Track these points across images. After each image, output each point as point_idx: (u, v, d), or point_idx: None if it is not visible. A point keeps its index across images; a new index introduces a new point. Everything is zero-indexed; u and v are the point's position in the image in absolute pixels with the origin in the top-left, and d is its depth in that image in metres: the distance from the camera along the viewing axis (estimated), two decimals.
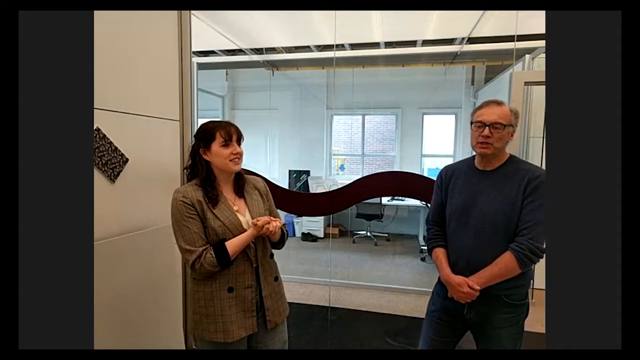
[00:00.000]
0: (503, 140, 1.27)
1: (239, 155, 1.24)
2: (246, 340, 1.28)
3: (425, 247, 4.96)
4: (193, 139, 1.30)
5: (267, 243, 1.33)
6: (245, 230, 1.22)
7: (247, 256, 1.25)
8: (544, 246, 1.22)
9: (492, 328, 1.31)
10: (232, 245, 1.19)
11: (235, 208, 1.26)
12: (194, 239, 1.16)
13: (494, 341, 1.32)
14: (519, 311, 1.31)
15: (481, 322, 1.33)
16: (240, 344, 1.26)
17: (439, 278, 1.46)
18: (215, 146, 1.21)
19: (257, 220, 1.20)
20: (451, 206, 1.36)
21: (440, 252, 1.38)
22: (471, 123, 1.31)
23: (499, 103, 1.28)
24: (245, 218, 1.27)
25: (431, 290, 1.52)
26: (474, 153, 1.36)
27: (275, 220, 1.23)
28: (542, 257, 1.23)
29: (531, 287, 3.22)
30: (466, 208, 1.31)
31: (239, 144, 1.26)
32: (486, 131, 1.24)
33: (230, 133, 1.22)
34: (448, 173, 1.43)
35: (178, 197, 1.19)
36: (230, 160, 1.22)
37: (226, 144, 1.21)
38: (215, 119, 1.28)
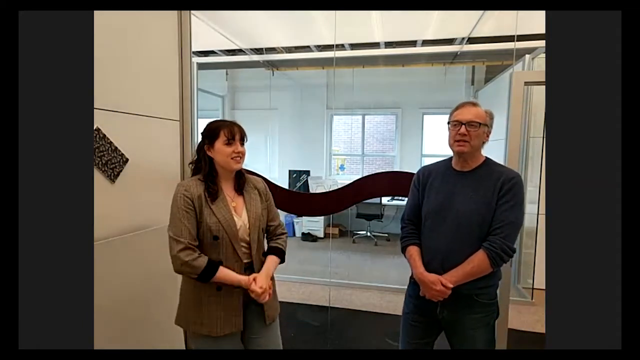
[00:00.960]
0: (479, 139, 1.31)
1: (241, 155, 1.28)
2: (239, 335, 1.31)
3: None
4: (200, 135, 1.33)
5: (261, 243, 1.35)
6: (238, 230, 1.26)
7: (237, 255, 1.26)
8: (515, 247, 1.26)
9: (465, 329, 1.33)
10: (223, 274, 1.21)
11: (233, 204, 1.29)
12: (182, 231, 1.19)
13: (465, 341, 1.34)
14: (490, 310, 1.33)
15: (454, 322, 1.35)
16: (230, 338, 1.27)
17: (410, 278, 1.47)
18: (219, 144, 1.25)
19: (259, 289, 1.22)
20: (428, 205, 1.39)
21: (414, 250, 1.40)
22: (448, 124, 1.36)
23: (474, 104, 1.34)
24: (241, 218, 1.29)
25: None
26: (452, 151, 1.39)
27: (266, 291, 1.25)
28: (512, 257, 1.27)
29: (531, 287, 3.21)
30: (443, 207, 1.33)
31: (242, 144, 1.29)
32: (462, 129, 1.28)
33: (233, 132, 1.26)
34: (425, 173, 1.45)
35: (180, 190, 1.24)
36: (232, 159, 1.26)
37: (229, 142, 1.25)
38: (221, 119, 1.33)
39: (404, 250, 1.46)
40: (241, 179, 1.35)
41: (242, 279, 1.23)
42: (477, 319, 1.32)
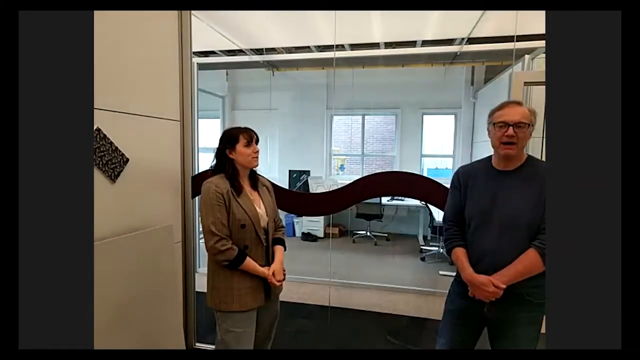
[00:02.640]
0: (525, 140, 1.28)
1: (258, 154, 1.52)
2: (256, 311, 1.53)
3: (425, 247, 4.94)
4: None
5: (273, 230, 1.59)
6: (259, 219, 1.49)
7: (259, 240, 1.49)
8: None
9: (512, 327, 1.31)
10: (248, 264, 1.46)
11: (252, 198, 1.52)
12: (216, 223, 1.41)
13: (512, 341, 1.32)
14: (539, 310, 1.30)
15: (501, 321, 1.33)
16: (252, 313, 1.51)
17: (455, 277, 1.46)
18: (240, 147, 1.48)
19: (278, 282, 1.50)
20: (471, 207, 1.37)
21: (460, 252, 1.38)
22: (491, 124, 1.32)
23: (519, 103, 1.30)
24: (261, 210, 1.53)
25: (431, 289, 1.52)
26: (492, 153, 1.37)
27: (281, 282, 1.53)
28: None
29: None
30: (488, 208, 1.31)
31: (257, 145, 1.52)
32: (510, 131, 1.25)
33: (251, 136, 1.50)
34: (465, 174, 1.43)
35: (211, 187, 1.43)
36: (252, 158, 1.50)
37: (248, 144, 1.48)
38: (236, 126, 1.52)
39: (449, 253, 1.44)
40: (255, 177, 1.58)
41: (263, 271, 1.48)
42: (526, 318, 1.30)
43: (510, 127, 1.25)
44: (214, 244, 1.40)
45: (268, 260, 1.54)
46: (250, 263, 1.45)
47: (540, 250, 1.21)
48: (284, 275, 1.56)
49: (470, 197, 1.38)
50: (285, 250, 1.62)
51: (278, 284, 1.50)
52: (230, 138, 1.48)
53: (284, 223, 1.69)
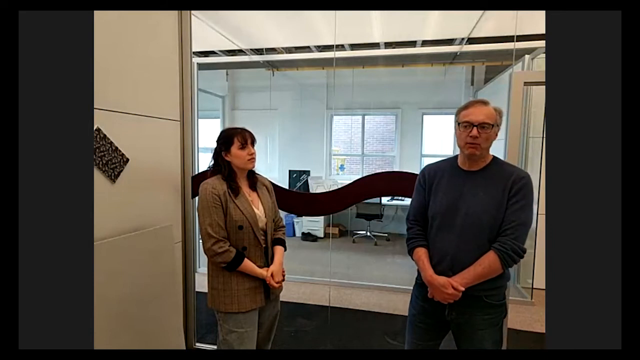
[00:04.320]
0: (490, 140, 1.27)
1: (254, 156, 1.49)
2: (257, 311, 1.52)
3: None
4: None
5: (272, 231, 1.58)
6: (257, 220, 1.47)
7: (258, 241, 1.47)
8: (525, 247, 1.24)
9: (473, 329, 1.31)
10: (247, 265, 1.44)
11: (250, 199, 1.50)
12: (213, 224, 1.40)
13: (475, 342, 1.32)
14: (499, 311, 1.31)
15: (462, 324, 1.33)
16: (252, 313, 1.49)
17: (416, 279, 1.45)
18: (234, 149, 1.45)
19: (277, 283, 1.49)
20: (435, 206, 1.35)
21: (422, 252, 1.36)
22: (457, 123, 1.31)
23: (484, 102, 1.28)
24: (258, 210, 1.50)
25: None
26: (462, 152, 1.35)
27: (280, 283, 1.53)
28: (522, 258, 1.24)
29: (531, 287, 3.20)
30: (451, 208, 1.30)
31: (253, 146, 1.49)
32: (474, 131, 1.23)
33: (245, 138, 1.46)
34: (431, 172, 1.41)
35: (208, 188, 1.42)
36: (248, 160, 1.47)
37: (243, 146, 1.45)
38: (232, 127, 1.49)
39: (411, 252, 1.43)
40: (253, 178, 1.56)
41: (261, 272, 1.47)
42: (486, 320, 1.30)
43: (475, 128, 1.23)
44: (211, 246, 1.39)
45: (267, 261, 1.52)
46: (248, 264, 1.44)
47: (500, 253, 1.21)
48: (284, 276, 1.54)
49: (434, 196, 1.37)
50: (285, 250, 1.61)
51: (277, 285, 1.49)
52: (225, 140, 1.47)
53: (284, 223, 1.67)
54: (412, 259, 1.42)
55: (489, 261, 1.22)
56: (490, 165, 1.31)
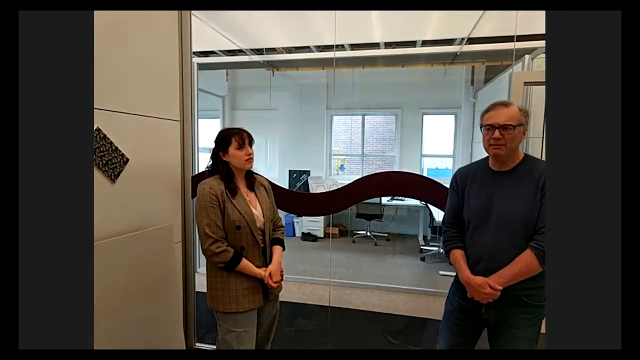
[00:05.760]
0: (515, 141, 1.27)
1: (251, 156, 1.49)
2: (256, 311, 1.52)
3: (425, 247, 4.94)
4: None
5: (271, 231, 1.57)
6: (255, 220, 1.47)
7: (256, 241, 1.47)
8: None
9: (510, 328, 1.31)
10: (245, 265, 1.44)
11: (248, 199, 1.50)
12: (211, 225, 1.40)
13: (510, 341, 1.32)
14: (538, 312, 1.30)
15: (499, 322, 1.33)
16: (251, 313, 1.49)
17: (455, 278, 1.46)
18: (232, 149, 1.46)
19: (275, 283, 1.49)
20: (469, 208, 1.37)
21: (458, 254, 1.38)
22: (481, 126, 1.33)
23: (506, 104, 1.29)
24: (256, 210, 1.51)
25: (431, 289, 1.52)
26: (488, 154, 1.37)
27: (278, 283, 1.52)
28: None
29: None
30: (484, 210, 1.31)
31: (251, 147, 1.49)
32: (496, 133, 1.25)
33: (243, 138, 1.46)
34: (463, 175, 1.43)
35: (206, 188, 1.42)
36: (245, 161, 1.47)
37: (240, 147, 1.45)
38: (230, 127, 1.50)
39: (447, 254, 1.44)
40: (251, 177, 1.56)
41: (259, 272, 1.47)
42: (524, 319, 1.30)
43: (497, 130, 1.26)
44: (208, 246, 1.39)
45: (266, 261, 1.52)
46: (246, 264, 1.44)
47: (537, 252, 1.21)
48: (282, 276, 1.54)
49: (467, 198, 1.39)
50: (284, 250, 1.61)
51: (275, 285, 1.49)
52: (222, 140, 1.47)
53: (283, 222, 1.68)
54: (449, 262, 1.42)
55: (525, 260, 1.23)
56: (521, 164, 1.32)
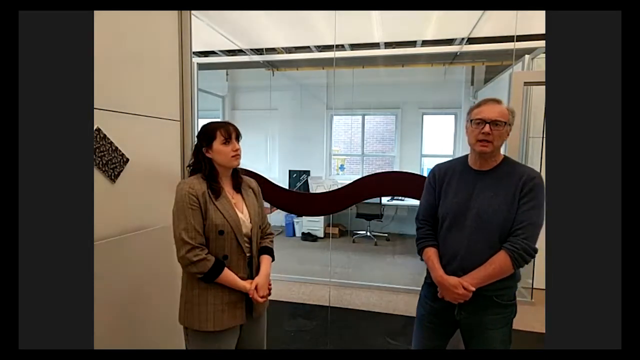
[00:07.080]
0: (502, 139, 1.27)
1: (239, 152, 1.33)
2: (238, 329, 1.34)
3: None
4: (195, 139, 1.35)
5: (259, 238, 1.41)
6: (240, 225, 1.31)
7: (241, 249, 1.31)
8: (536, 247, 1.23)
9: (483, 329, 1.31)
10: (227, 276, 1.27)
11: (233, 201, 1.34)
12: (189, 229, 1.23)
13: (484, 342, 1.32)
14: (508, 311, 1.31)
15: (472, 324, 1.32)
16: (231, 333, 1.31)
17: (425, 279, 1.44)
18: (217, 144, 1.30)
19: (261, 298, 1.30)
20: (445, 206, 1.35)
21: (431, 252, 1.36)
22: (469, 121, 1.30)
23: (497, 101, 1.28)
24: (243, 214, 1.34)
25: None
26: (473, 150, 1.35)
27: (265, 297, 1.33)
28: (534, 258, 1.23)
29: (531, 287, 3.20)
30: (462, 208, 1.30)
31: (238, 142, 1.34)
32: (487, 128, 1.23)
33: (229, 132, 1.31)
34: (441, 172, 1.40)
35: (185, 188, 1.26)
36: (232, 157, 1.31)
37: (226, 142, 1.30)
38: (215, 120, 1.36)
39: (420, 252, 1.42)
40: (238, 178, 1.41)
41: (244, 285, 1.29)
42: (496, 320, 1.29)
43: (487, 125, 1.23)
44: (185, 254, 1.21)
45: (252, 273, 1.35)
46: (228, 275, 1.26)
47: (511, 254, 1.20)
48: (270, 290, 1.37)
49: (444, 195, 1.36)
50: (273, 260, 1.44)
51: (261, 300, 1.30)
52: (206, 134, 1.31)
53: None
54: (422, 259, 1.41)
55: (499, 261, 1.22)
56: (501, 165, 1.31)
